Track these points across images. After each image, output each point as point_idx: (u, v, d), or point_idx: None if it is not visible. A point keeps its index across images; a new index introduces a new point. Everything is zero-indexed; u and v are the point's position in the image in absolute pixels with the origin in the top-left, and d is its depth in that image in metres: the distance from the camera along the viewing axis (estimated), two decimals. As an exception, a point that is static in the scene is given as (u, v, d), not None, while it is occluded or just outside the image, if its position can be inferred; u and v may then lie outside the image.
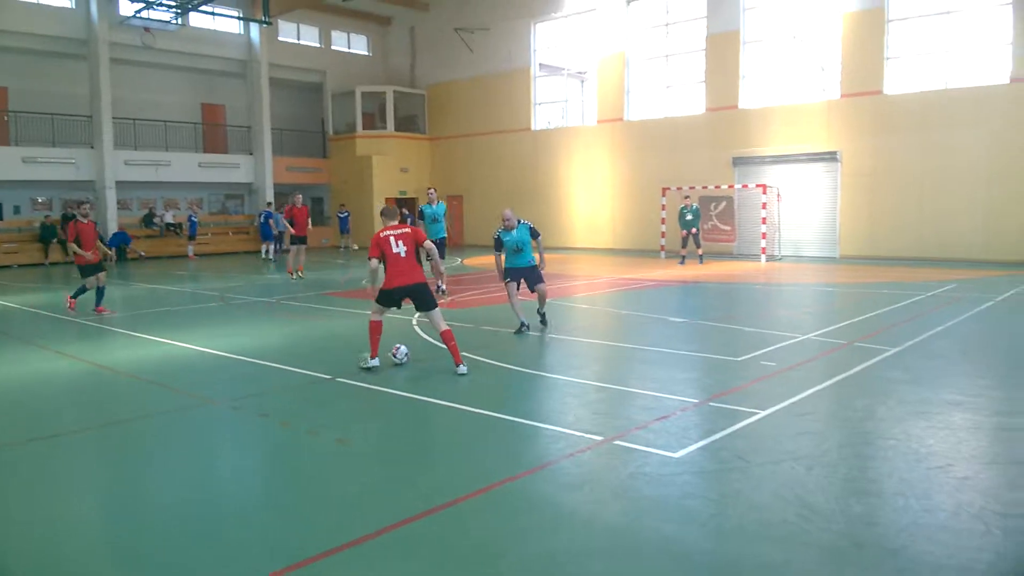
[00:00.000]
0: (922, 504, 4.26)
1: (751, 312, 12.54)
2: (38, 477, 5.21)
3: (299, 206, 18.03)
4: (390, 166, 30.85)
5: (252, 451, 5.86)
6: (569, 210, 27.55)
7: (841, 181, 21.57)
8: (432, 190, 14.98)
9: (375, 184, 30.19)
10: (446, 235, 14.74)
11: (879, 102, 20.85)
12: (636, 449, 5.24)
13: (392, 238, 7.85)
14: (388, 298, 7.95)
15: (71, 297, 12.70)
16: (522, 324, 10.00)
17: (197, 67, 29.01)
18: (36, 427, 6.27)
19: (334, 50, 32.52)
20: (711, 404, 6.38)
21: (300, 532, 4.16)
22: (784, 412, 6.07)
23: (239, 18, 28.31)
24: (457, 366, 7.72)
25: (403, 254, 7.83)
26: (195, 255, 26.57)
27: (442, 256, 13.99)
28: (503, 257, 10.20)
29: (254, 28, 28.94)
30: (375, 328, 7.92)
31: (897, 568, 3.58)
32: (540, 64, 28.96)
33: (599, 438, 5.50)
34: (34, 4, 24.51)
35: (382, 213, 8.28)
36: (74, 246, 12.16)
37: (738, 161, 23.22)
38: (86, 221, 12.35)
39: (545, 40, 28.64)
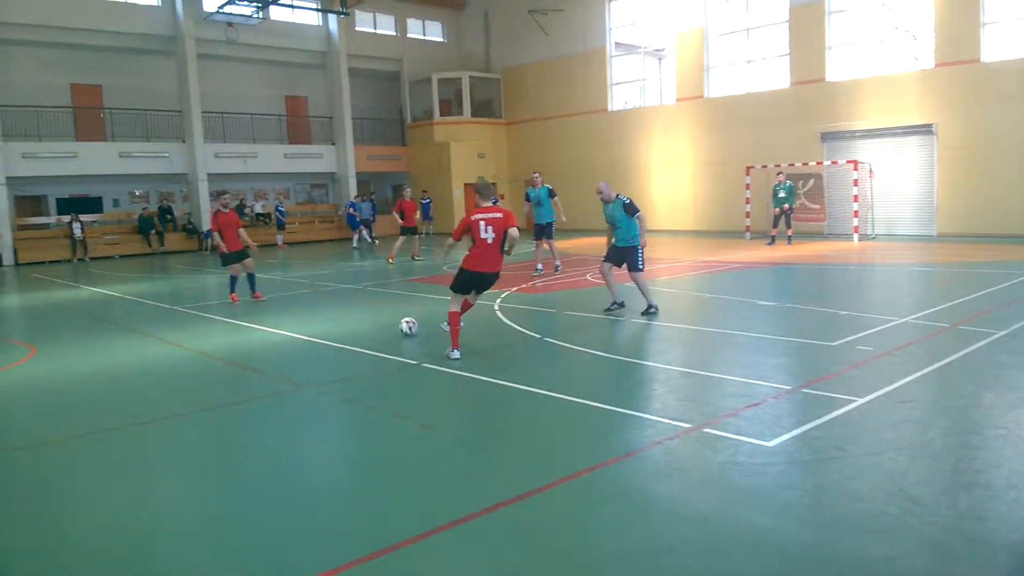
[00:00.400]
0: (1038, 498, 4.02)
1: (845, 294, 12.07)
2: (140, 458, 5.49)
3: (407, 200, 18.88)
4: (468, 151, 31.03)
5: (339, 436, 6.02)
6: (649, 191, 27.03)
7: (938, 155, 20.47)
8: (537, 174, 15.19)
9: (453, 170, 30.46)
10: (555, 218, 14.79)
11: (977, 70, 19.64)
12: (727, 437, 5.11)
13: (483, 223, 7.77)
14: (467, 281, 7.92)
15: (231, 292, 12.71)
16: (613, 303, 9.88)
17: (279, 60, 29.76)
18: (138, 411, 6.58)
19: (410, 38, 32.82)
20: (804, 391, 6.18)
21: (387, 517, 4.22)
22: (883, 399, 5.82)
23: (318, 10, 28.90)
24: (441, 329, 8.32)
25: (490, 240, 7.78)
26: (284, 243, 27.42)
27: (550, 236, 14.77)
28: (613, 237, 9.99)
29: (332, 20, 29.48)
30: (454, 319, 7.88)
31: (1012, 566, 3.39)
32: (616, 43, 28.43)
33: (688, 425, 5.39)
34: (123, 3, 25.51)
35: (477, 190, 8.10)
36: (217, 236, 12.28)
37: (826, 136, 22.32)
38: (227, 211, 12.36)
39: (620, 19, 28.11)
